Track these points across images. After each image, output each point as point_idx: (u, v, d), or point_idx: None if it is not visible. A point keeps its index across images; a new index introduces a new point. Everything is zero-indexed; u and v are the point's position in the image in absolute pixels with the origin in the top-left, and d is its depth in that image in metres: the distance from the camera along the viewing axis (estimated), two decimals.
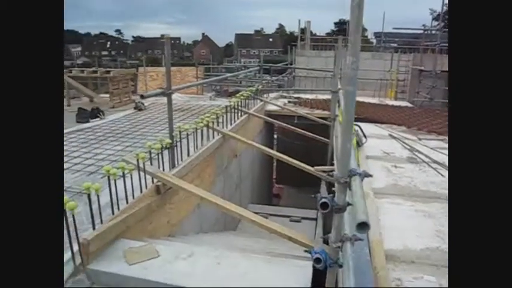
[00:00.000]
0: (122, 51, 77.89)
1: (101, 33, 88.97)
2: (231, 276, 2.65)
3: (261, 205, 8.94)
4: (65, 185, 4.41)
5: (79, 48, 78.60)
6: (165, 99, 4.18)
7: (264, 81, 11.11)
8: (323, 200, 1.95)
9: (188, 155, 4.72)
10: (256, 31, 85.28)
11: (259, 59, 12.87)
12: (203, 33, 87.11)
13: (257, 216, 3.46)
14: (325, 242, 2.95)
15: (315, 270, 2.61)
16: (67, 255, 2.84)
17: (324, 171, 5.89)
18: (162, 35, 79.65)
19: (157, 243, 3.18)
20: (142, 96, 3.93)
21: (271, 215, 7.45)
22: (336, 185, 4.15)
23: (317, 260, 2.17)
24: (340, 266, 2.07)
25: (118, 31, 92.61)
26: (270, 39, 79.62)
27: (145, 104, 9.88)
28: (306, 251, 2.33)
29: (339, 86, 7.16)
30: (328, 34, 44.41)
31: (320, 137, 7.97)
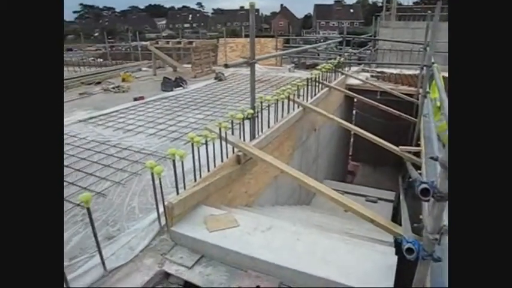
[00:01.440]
0: (202, 24, 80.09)
1: (183, 6, 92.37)
2: (310, 255, 2.56)
3: (337, 181, 8.73)
4: (151, 149, 4.67)
5: (164, 22, 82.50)
6: (244, 71, 4.14)
7: (346, 54, 10.54)
8: (423, 185, 1.71)
9: (268, 126, 4.66)
10: (337, 1, 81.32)
11: (341, 30, 12.25)
12: (282, 5, 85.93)
13: (337, 193, 3.30)
14: (414, 230, 2.71)
15: (398, 259, 2.41)
16: (153, 215, 3.02)
17: (409, 152, 5.48)
18: (241, 7, 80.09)
19: (236, 213, 3.21)
20: (226, 66, 3.91)
21: (346, 192, 7.22)
22: (423, 167, 3.79)
23: (409, 250, 1.98)
24: (436, 260, 1.85)
25: (199, 4, 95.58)
26: (351, 10, 75.79)
27: (225, 75, 10.03)
28: (396, 239, 2.13)
29: (433, 60, 6.49)
30: (415, 3, 40.77)
31: (405, 115, 7.40)
